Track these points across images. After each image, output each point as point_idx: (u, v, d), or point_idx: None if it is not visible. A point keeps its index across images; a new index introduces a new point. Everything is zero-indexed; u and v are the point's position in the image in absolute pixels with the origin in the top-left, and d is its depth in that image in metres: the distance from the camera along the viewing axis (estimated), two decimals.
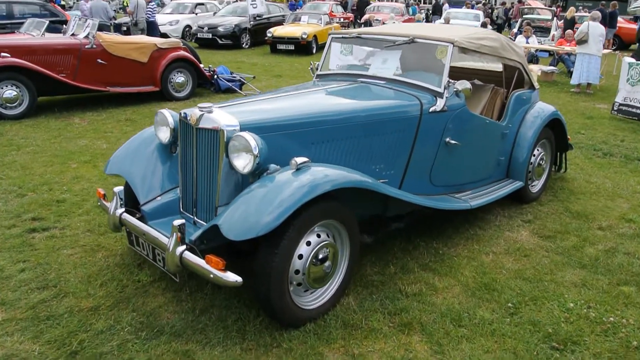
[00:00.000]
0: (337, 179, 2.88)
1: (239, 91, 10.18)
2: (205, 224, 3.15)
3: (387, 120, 3.64)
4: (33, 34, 8.90)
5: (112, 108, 8.65)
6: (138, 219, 3.24)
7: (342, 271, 3.16)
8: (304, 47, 17.25)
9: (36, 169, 5.58)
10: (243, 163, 2.89)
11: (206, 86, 10.28)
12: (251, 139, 2.83)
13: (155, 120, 3.54)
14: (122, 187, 3.28)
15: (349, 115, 3.47)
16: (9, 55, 7.52)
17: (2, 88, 7.49)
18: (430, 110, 3.81)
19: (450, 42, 3.93)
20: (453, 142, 3.96)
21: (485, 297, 3.40)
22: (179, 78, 9.42)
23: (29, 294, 3.24)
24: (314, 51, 17.60)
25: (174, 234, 2.77)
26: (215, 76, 10.08)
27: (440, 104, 3.84)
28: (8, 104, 7.57)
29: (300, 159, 2.81)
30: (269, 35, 17.69)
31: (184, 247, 2.77)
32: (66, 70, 8.25)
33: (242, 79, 10.54)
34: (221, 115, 3.05)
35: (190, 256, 2.75)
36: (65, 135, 7.03)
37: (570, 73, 13.47)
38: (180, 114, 3.25)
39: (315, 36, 17.63)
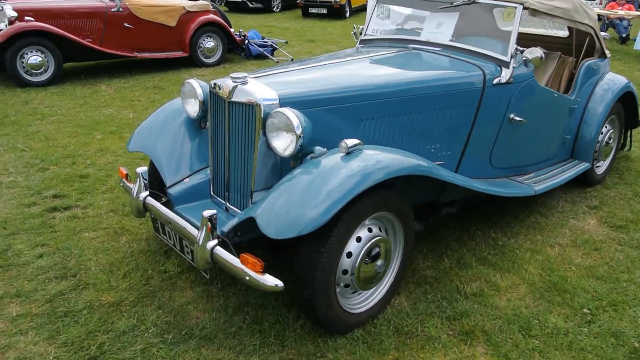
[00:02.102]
0: (393, 165, 2.45)
1: (271, 57, 9.71)
2: (239, 211, 2.78)
3: (445, 93, 3.16)
4: None
5: (139, 75, 8.30)
6: (164, 203, 2.88)
7: (395, 268, 2.77)
8: (337, 11, 16.55)
9: (60, 140, 5.29)
10: (284, 144, 2.48)
11: (236, 52, 9.84)
12: (293, 116, 2.41)
13: (182, 91, 3.15)
14: (145, 168, 2.91)
15: (403, 87, 3.00)
16: (33, 19, 7.19)
17: (27, 54, 7.18)
18: (494, 82, 3.31)
19: (519, 2, 3.39)
20: (518, 118, 3.46)
21: (556, 299, 2.96)
22: (208, 43, 8.99)
23: (46, 284, 2.94)
24: (347, 15, 16.88)
25: (204, 226, 2.39)
26: (246, 41, 9.62)
27: (505, 75, 3.34)
28: (33, 71, 7.28)
29: (351, 141, 2.38)
30: None
31: (216, 241, 2.40)
32: (92, 34, 7.89)
33: (274, 44, 10.05)
34: (257, 87, 2.64)
35: (222, 252, 2.38)
36: (91, 103, 6.72)
37: (622, 39, 12.55)
38: (210, 84, 2.85)
39: None
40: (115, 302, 2.79)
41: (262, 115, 2.55)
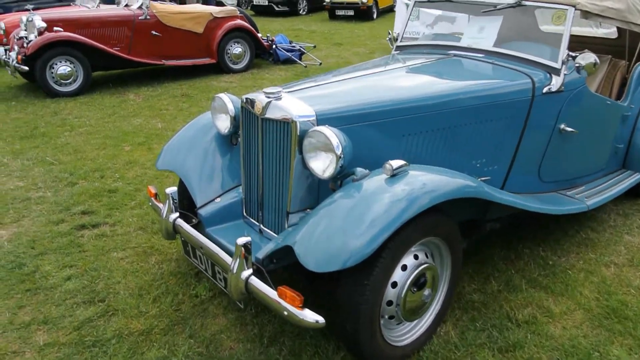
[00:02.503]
0: (440, 188, 2.24)
1: (299, 62, 9.57)
2: (273, 233, 2.62)
3: (492, 104, 2.95)
4: (88, 5, 8.57)
5: (167, 82, 8.25)
6: (194, 225, 2.74)
7: (442, 295, 2.57)
8: (364, 12, 16.35)
9: (88, 153, 5.22)
10: (322, 165, 2.31)
11: (264, 57, 9.74)
12: (332, 135, 2.24)
13: (213, 106, 3.00)
14: (175, 189, 2.77)
15: (448, 99, 2.80)
16: (62, 30, 7.19)
17: (56, 64, 7.19)
18: (544, 90, 3.08)
19: (571, 4, 3.15)
20: (569, 129, 3.21)
21: (617, 328, 2.72)
22: (236, 49, 8.89)
23: (74, 309, 2.83)
24: (375, 16, 16.66)
25: (239, 254, 2.23)
26: (274, 46, 9.50)
27: (556, 83, 3.10)
28: (63, 81, 7.28)
29: (396, 162, 2.20)
30: (327, 0, 16.85)
31: (250, 271, 2.24)
32: (120, 43, 7.87)
33: (301, 49, 9.91)
34: (292, 102, 2.47)
35: (258, 283, 2.22)
36: (119, 113, 6.67)
37: None
38: (242, 100, 2.69)
39: (375, 0, 16.65)
40: (145, 330, 2.66)
41: (298, 133, 2.38)
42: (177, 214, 2.76)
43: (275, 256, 2.37)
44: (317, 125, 2.39)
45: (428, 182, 2.22)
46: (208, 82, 8.26)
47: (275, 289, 2.14)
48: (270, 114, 2.48)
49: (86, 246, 3.47)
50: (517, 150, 3.13)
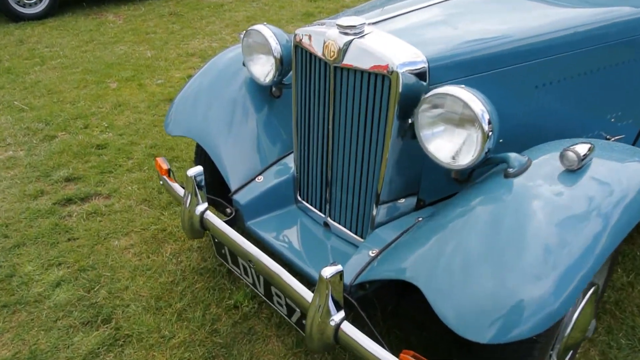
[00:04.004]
0: None
1: None
2: (350, 233, 1.84)
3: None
4: None
5: None
6: (229, 220, 1.93)
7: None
8: None
9: (66, 93, 4.25)
10: (454, 148, 1.46)
11: None
12: (475, 100, 1.38)
13: (246, 43, 2.08)
14: (200, 169, 1.91)
15: (597, 31, 1.91)
16: None
17: None
18: None
19: None
20: None
21: None
22: None
23: (71, 337, 2.05)
24: None
25: (323, 287, 1.44)
26: None
27: None
28: (26, 1, 6.08)
29: (582, 148, 1.36)
30: None
31: (342, 314, 1.46)
32: None
33: None
34: (386, 41, 1.58)
35: (353, 332, 1.44)
36: (98, 39, 5.59)
37: None
38: (297, 36, 1.79)
39: None
40: None
41: (400, 89, 1.51)
42: (206, 205, 1.93)
43: (369, 279, 1.59)
44: (430, 76, 1.53)
45: (629, 175, 1.39)
46: None
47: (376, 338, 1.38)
48: (352, 61, 1.59)
49: (76, 231, 2.65)
50: None
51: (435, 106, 1.44)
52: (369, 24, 1.65)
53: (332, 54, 1.63)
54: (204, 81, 2.28)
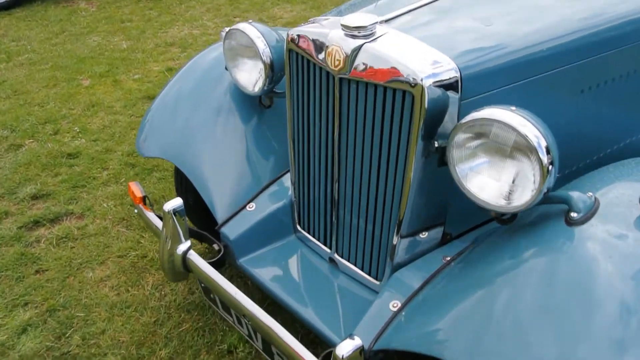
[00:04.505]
0: None
1: None
2: (363, 274, 1.54)
3: None
4: None
5: None
6: (218, 259, 1.63)
7: None
8: None
9: (34, 94, 3.88)
10: (504, 188, 1.14)
11: None
12: (530, 126, 1.06)
13: (227, 45, 1.75)
14: (179, 202, 1.58)
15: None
16: None
17: None
18: None
19: None
20: None
21: None
22: None
23: None
24: None
25: None
26: None
27: None
28: None
29: None
30: None
31: None
32: None
33: None
34: (406, 45, 1.26)
35: None
36: (69, 30, 5.18)
37: None
38: (291, 37, 1.46)
39: None
40: None
41: (427, 105, 1.20)
42: (189, 244, 1.62)
43: (385, 346, 1.29)
44: (463, 89, 1.21)
45: None
46: None
47: None
48: (363, 71, 1.27)
49: (45, 261, 2.32)
50: None
51: (476, 135, 1.13)
52: (381, 22, 1.33)
53: (336, 62, 1.30)
54: (183, 87, 1.95)
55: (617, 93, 1.63)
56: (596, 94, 1.56)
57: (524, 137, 1.05)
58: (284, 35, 1.54)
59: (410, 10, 1.42)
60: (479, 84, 1.26)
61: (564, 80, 1.43)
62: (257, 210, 1.72)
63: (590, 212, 1.09)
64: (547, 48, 1.36)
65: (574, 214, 1.10)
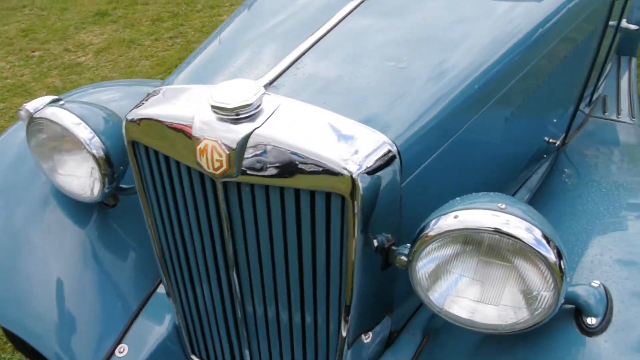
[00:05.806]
0: None
1: None
2: None
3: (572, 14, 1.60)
4: None
5: None
6: None
7: None
8: None
9: None
10: (500, 313, 0.82)
11: None
12: (535, 230, 0.76)
13: (35, 141, 1.20)
14: None
15: (552, 29, 1.37)
16: None
17: None
18: None
19: None
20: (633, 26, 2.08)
21: None
22: None
23: None
24: None
25: None
26: None
27: None
28: None
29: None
30: None
31: None
32: None
33: None
34: (311, 120, 0.89)
35: None
36: None
37: None
38: (128, 128, 0.99)
39: None
40: None
41: (360, 205, 0.83)
42: None
43: None
44: (403, 167, 0.88)
45: None
46: None
47: None
48: (259, 170, 0.87)
49: None
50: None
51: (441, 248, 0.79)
52: (265, 85, 0.93)
53: (216, 164, 0.87)
54: None
55: (532, 107, 1.43)
56: (517, 115, 1.33)
57: (531, 246, 0.73)
58: (117, 105, 1.08)
59: (294, 62, 1.03)
60: (418, 154, 0.93)
61: (493, 113, 1.16)
62: (131, 354, 1.23)
63: (606, 317, 0.82)
64: (476, 86, 1.07)
65: (590, 320, 0.82)
